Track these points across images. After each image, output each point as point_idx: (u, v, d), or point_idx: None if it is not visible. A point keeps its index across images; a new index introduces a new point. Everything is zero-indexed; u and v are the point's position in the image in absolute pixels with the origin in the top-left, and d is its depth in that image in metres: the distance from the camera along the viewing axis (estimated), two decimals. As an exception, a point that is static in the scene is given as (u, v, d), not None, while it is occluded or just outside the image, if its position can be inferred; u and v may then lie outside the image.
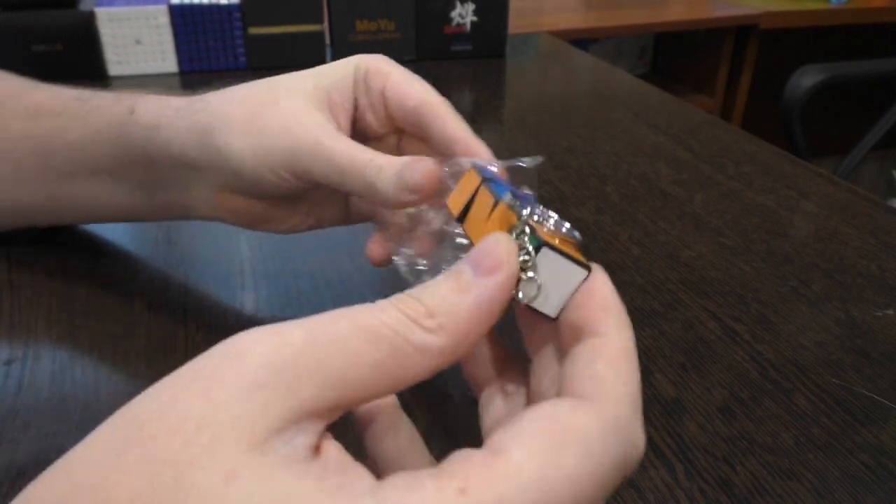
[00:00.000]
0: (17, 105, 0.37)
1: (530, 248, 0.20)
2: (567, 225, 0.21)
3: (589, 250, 0.45)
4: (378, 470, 0.21)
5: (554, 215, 0.21)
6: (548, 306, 0.20)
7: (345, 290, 0.40)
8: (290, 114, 0.31)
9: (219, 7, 0.75)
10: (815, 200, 0.52)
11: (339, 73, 0.34)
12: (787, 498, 0.28)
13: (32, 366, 0.34)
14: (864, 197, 0.53)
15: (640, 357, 0.35)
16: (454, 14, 0.81)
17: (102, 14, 0.72)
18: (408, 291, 0.19)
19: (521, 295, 0.20)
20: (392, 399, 0.22)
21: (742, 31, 1.69)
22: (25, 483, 0.16)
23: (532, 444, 0.16)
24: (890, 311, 0.40)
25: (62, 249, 0.43)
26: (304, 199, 0.35)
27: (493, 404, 0.23)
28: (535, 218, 0.21)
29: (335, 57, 0.81)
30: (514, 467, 0.16)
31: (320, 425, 0.17)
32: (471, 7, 0.81)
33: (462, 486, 0.15)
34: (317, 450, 0.16)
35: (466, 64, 0.83)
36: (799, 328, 0.38)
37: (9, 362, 0.34)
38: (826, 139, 1.86)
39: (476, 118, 0.70)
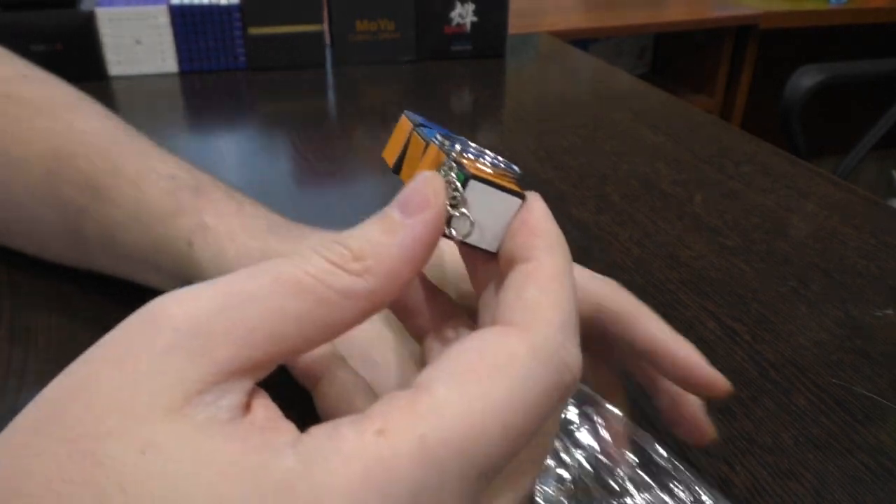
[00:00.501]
0: (74, 169, 0.33)
1: (458, 184, 0.19)
2: (503, 160, 0.21)
3: (589, 251, 0.45)
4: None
5: (490, 153, 0.21)
6: (484, 241, 0.20)
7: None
8: None
9: (219, 7, 0.75)
10: (815, 200, 0.52)
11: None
12: (787, 498, 0.28)
13: (32, 366, 0.34)
14: (864, 197, 0.53)
15: (639, 357, 0.35)
16: (454, 14, 0.81)
17: (102, 14, 0.72)
18: (333, 236, 0.18)
19: (453, 232, 0.19)
20: (327, 347, 0.21)
21: (742, 31, 1.69)
22: (25, 483, 0.16)
23: (456, 377, 0.16)
24: (890, 311, 0.40)
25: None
26: None
27: (433, 353, 0.22)
28: (467, 155, 0.20)
29: (335, 57, 0.81)
30: (436, 403, 0.15)
31: (248, 383, 0.16)
32: (471, 7, 0.81)
33: (381, 428, 0.15)
34: (246, 408, 0.16)
35: (466, 64, 0.83)
36: (799, 328, 0.38)
37: (9, 362, 0.34)
38: (826, 139, 1.86)
39: (476, 118, 0.70)
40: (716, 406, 0.33)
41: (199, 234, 0.30)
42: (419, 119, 0.24)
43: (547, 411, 0.17)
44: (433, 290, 0.23)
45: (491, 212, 0.19)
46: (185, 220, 0.30)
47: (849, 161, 1.25)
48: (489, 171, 0.20)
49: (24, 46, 0.71)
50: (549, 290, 0.18)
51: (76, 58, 0.73)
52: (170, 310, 0.16)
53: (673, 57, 1.91)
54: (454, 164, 0.19)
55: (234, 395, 0.16)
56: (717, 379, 0.25)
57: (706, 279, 0.42)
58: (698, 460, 0.30)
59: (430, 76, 0.80)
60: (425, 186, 0.18)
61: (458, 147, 0.20)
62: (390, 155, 0.23)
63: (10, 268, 0.41)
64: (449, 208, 0.19)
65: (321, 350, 0.22)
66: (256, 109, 0.71)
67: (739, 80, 1.75)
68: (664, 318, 0.39)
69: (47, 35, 0.72)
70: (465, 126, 0.67)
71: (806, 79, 1.15)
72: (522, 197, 0.20)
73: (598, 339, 0.26)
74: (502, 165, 0.21)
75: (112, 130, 0.36)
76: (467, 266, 0.22)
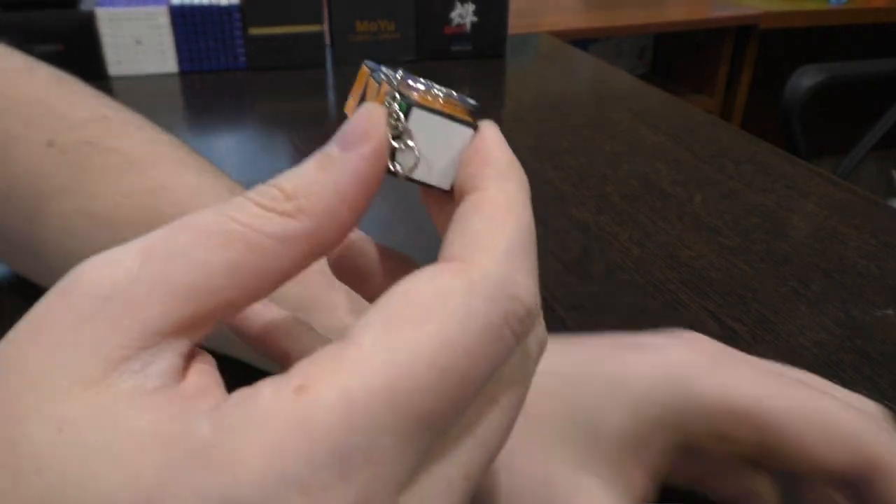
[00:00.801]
0: (139, 180, 0.31)
1: (400, 114, 0.17)
2: (458, 94, 0.19)
3: (589, 251, 0.45)
4: None
5: (446, 88, 0.19)
6: (433, 177, 0.18)
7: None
8: None
9: (219, 7, 0.75)
10: (815, 200, 0.52)
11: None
12: (787, 498, 0.28)
13: (33, 366, 0.34)
14: (864, 197, 0.53)
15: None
16: (454, 14, 0.81)
17: (103, 14, 0.72)
18: (270, 181, 0.16)
19: (398, 167, 0.17)
20: (287, 318, 0.20)
21: (742, 32, 1.69)
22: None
23: (383, 323, 0.14)
24: (890, 311, 0.40)
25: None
26: None
27: None
28: (416, 87, 0.18)
29: (335, 57, 0.81)
30: (361, 354, 0.14)
31: (182, 345, 0.15)
32: (471, 7, 0.81)
33: (301, 384, 0.13)
34: (182, 374, 0.15)
35: (466, 64, 0.83)
36: (799, 328, 0.38)
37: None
38: (826, 139, 1.86)
39: (476, 118, 0.70)
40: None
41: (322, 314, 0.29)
42: (379, 66, 0.21)
43: (497, 349, 0.15)
44: (388, 253, 0.21)
45: (439, 144, 0.18)
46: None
47: (849, 161, 1.25)
48: (439, 101, 0.18)
49: (24, 46, 0.71)
50: (495, 218, 0.16)
51: (76, 58, 0.73)
52: (85, 276, 0.15)
53: (673, 57, 1.91)
54: (397, 94, 0.18)
55: (166, 359, 0.14)
56: None
57: (706, 279, 0.42)
58: (698, 460, 0.30)
59: (430, 76, 0.79)
60: (365, 119, 0.17)
61: (400, 75, 0.18)
62: (350, 107, 0.20)
63: (11, 268, 0.41)
64: (392, 141, 0.17)
65: (282, 320, 0.21)
66: (256, 109, 0.71)
67: (739, 80, 1.75)
68: (664, 318, 0.39)
69: (47, 35, 0.72)
70: (465, 126, 0.67)
71: (806, 79, 1.15)
72: (475, 127, 0.18)
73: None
74: (455, 97, 0.19)
75: (200, 184, 0.33)
76: (428, 209, 0.20)
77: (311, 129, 0.64)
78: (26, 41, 0.71)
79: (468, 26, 0.82)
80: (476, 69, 0.82)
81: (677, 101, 0.73)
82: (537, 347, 0.17)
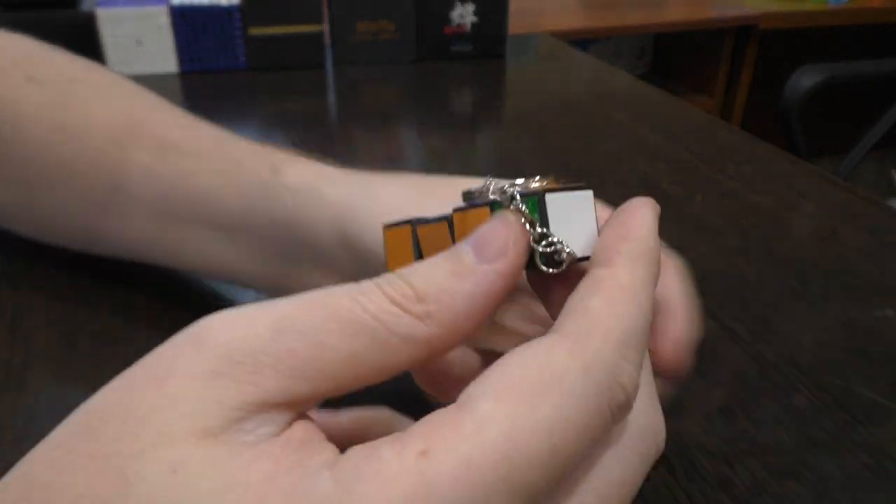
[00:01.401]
0: (145, 135, 0.34)
1: (532, 216, 0.17)
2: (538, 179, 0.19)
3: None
4: None
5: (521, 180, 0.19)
6: (579, 252, 0.18)
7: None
8: None
9: (219, 7, 0.75)
10: (815, 200, 0.52)
11: None
12: (787, 498, 0.28)
13: (33, 366, 0.34)
14: (864, 197, 0.53)
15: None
16: (454, 14, 0.81)
17: (103, 14, 0.72)
18: (398, 271, 0.16)
19: (549, 269, 0.17)
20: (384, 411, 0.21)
21: (742, 32, 1.69)
22: (26, 483, 0.16)
23: (500, 393, 0.14)
24: (890, 311, 0.40)
25: (63, 249, 0.43)
26: None
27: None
28: (517, 185, 0.18)
29: (335, 57, 0.81)
30: (479, 421, 0.14)
31: (290, 416, 0.15)
32: (471, 7, 0.81)
33: (423, 449, 0.14)
34: (285, 426, 0.15)
35: (466, 64, 0.83)
36: (799, 328, 0.38)
37: (9, 362, 0.34)
38: (826, 139, 1.86)
39: (476, 118, 0.70)
40: (716, 406, 0.33)
41: (287, 164, 0.30)
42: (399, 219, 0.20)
43: (598, 434, 0.15)
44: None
45: (573, 222, 0.18)
46: (268, 156, 0.31)
47: (849, 161, 1.25)
48: (542, 185, 0.18)
49: (24, 47, 0.72)
50: (618, 300, 0.16)
51: (76, 58, 0.73)
52: (218, 333, 0.15)
53: (673, 57, 1.91)
54: (517, 195, 0.17)
55: (275, 425, 0.15)
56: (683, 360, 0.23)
57: (706, 279, 0.42)
58: (699, 460, 0.30)
59: (430, 76, 0.80)
60: (505, 229, 0.17)
61: (506, 186, 0.18)
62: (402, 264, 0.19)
63: (11, 267, 0.41)
64: (533, 244, 0.17)
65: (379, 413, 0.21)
66: (256, 109, 0.71)
67: (739, 80, 1.75)
68: (664, 318, 0.39)
69: (47, 35, 0.71)
70: (465, 126, 0.67)
71: (806, 79, 1.15)
72: (589, 188, 0.18)
73: None
74: (539, 182, 0.19)
75: (181, 111, 0.37)
76: (539, 295, 0.20)
77: (311, 129, 0.64)
78: (26, 41, 0.71)
79: (468, 26, 0.82)
80: (476, 69, 0.82)
81: (677, 101, 0.73)
82: (641, 439, 0.17)
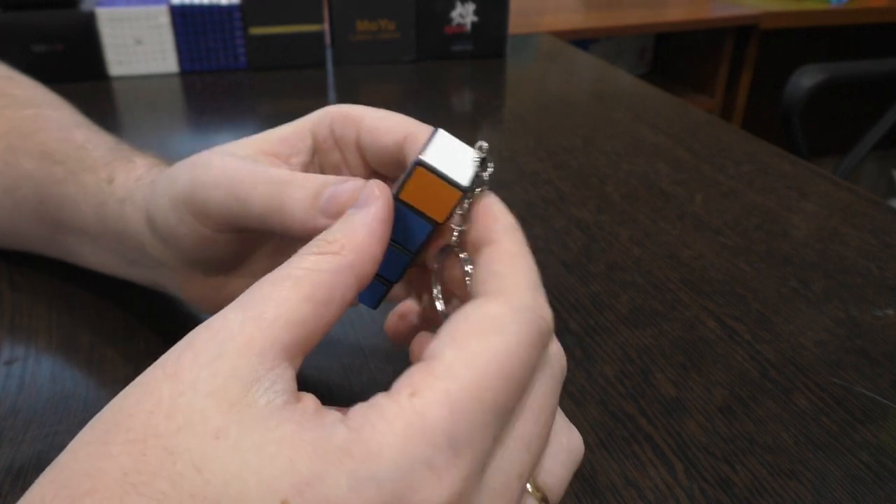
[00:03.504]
0: (33, 142, 0.37)
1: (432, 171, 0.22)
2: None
3: (589, 251, 0.45)
4: None
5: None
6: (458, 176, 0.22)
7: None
8: (207, 156, 0.27)
9: (219, 7, 0.75)
10: (815, 200, 0.52)
11: (290, 127, 0.29)
12: (787, 498, 0.28)
13: (33, 365, 0.34)
14: (864, 197, 0.53)
15: (640, 356, 0.36)
16: (454, 14, 0.81)
17: (103, 14, 0.72)
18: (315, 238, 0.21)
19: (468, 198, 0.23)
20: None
21: (742, 31, 1.69)
22: (26, 483, 0.16)
23: (457, 342, 0.18)
24: (890, 311, 0.40)
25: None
26: None
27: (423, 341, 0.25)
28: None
29: (335, 57, 0.81)
30: (448, 363, 0.18)
31: (291, 368, 0.18)
32: (471, 7, 0.81)
33: (411, 392, 0.17)
34: (297, 396, 0.18)
35: (466, 64, 0.83)
36: (799, 328, 0.38)
37: (10, 362, 0.34)
38: (826, 139, 1.86)
39: (476, 118, 0.70)
40: (716, 406, 0.33)
41: (120, 171, 0.33)
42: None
43: (535, 357, 0.19)
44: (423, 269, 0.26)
45: (454, 159, 0.23)
46: (112, 164, 0.34)
47: (849, 161, 1.25)
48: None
49: (24, 46, 0.72)
50: (514, 262, 0.21)
51: (76, 58, 0.73)
52: (203, 331, 0.18)
53: (673, 57, 1.91)
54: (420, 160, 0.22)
55: (285, 381, 0.18)
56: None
57: (706, 279, 0.42)
58: (699, 460, 0.30)
59: (430, 76, 0.80)
60: (367, 188, 0.22)
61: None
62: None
63: (11, 267, 0.41)
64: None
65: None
66: (256, 109, 0.71)
67: (739, 80, 1.75)
68: (664, 318, 0.39)
69: (48, 35, 0.72)
70: (465, 126, 0.67)
71: (806, 79, 1.15)
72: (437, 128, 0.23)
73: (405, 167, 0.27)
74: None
75: (75, 117, 0.40)
76: (439, 279, 0.25)
77: (312, 128, 0.64)
78: (26, 41, 0.71)
79: (468, 26, 0.82)
80: (476, 69, 0.82)
81: (677, 101, 0.73)
82: (557, 362, 0.21)
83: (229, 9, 0.75)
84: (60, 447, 0.17)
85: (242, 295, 0.19)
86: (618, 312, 0.39)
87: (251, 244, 0.30)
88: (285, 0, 0.76)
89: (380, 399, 0.18)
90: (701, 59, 1.79)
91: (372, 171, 0.29)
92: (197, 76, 0.77)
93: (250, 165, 0.25)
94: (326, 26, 0.79)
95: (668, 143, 0.62)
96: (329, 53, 0.82)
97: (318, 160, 0.29)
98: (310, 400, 0.18)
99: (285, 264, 0.20)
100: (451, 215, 0.23)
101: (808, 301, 0.40)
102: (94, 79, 0.74)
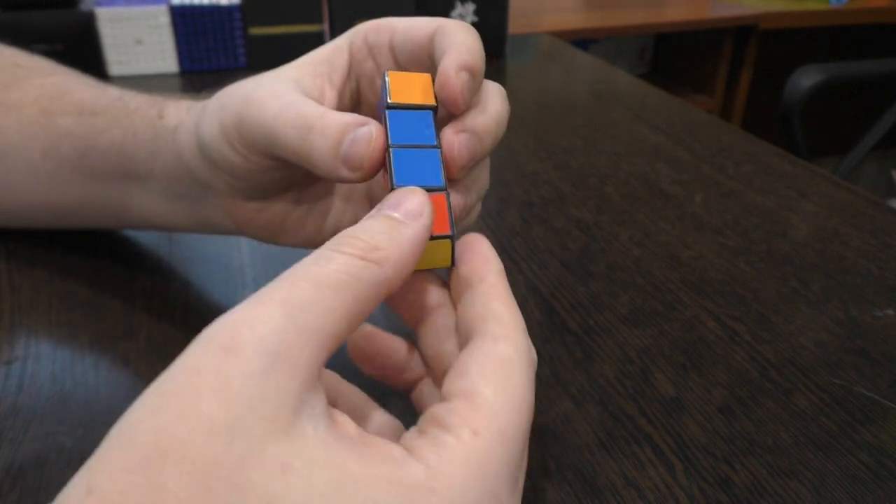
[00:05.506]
0: (67, 101, 0.37)
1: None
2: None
3: (589, 251, 0.45)
4: None
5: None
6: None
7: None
8: (254, 86, 0.28)
9: (219, 7, 0.75)
10: (815, 200, 0.52)
11: (330, 46, 0.31)
12: (787, 498, 0.28)
13: (33, 365, 0.34)
14: (864, 197, 0.53)
15: (640, 356, 0.36)
16: (454, 14, 0.81)
17: (103, 14, 0.72)
18: (343, 232, 0.21)
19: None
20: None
21: (742, 32, 1.69)
22: (26, 483, 0.15)
23: (490, 380, 0.20)
24: (890, 311, 0.40)
25: (62, 249, 0.43)
26: (314, 206, 0.33)
27: (425, 340, 0.26)
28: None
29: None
30: (491, 403, 0.20)
31: (321, 387, 0.18)
32: (471, 7, 0.81)
33: (472, 430, 0.19)
34: (332, 418, 0.18)
35: (466, 64, 0.83)
36: (799, 328, 0.38)
37: (9, 362, 0.34)
38: (826, 139, 1.86)
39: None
40: (716, 406, 0.33)
41: (168, 106, 0.34)
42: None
43: (533, 384, 0.22)
44: (423, 285, 0.26)
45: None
46: (158, 103, 0.35)
47: (849, 161, 1.25)
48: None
49: (24, 46, 0.71)
50: (507, 302, 0.23)
51: (76, 58, 0.73)
52: (245, 335, 0.17)
53: (673, 57, 1.91)
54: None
55: (320, 401, 0.18)
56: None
57: (706, 279, 0.42)
58: (698, 460, 0.30)
59: (431, 76, 0.80)
60: (418, 196, 0.22)
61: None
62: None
63: (11, 266, 0.41)
64: None
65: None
66: (256, 109, 0.71)
67: (739, 80, 1.75)
68: (664, 318, 0.39)
69: (47, 35, 0.72)
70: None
71: (806, 79, 1.15)
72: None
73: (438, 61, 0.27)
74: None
75: (100, 81, 0.40)
76: (413, 296, 0.26)
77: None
78: (26, 41, 0.71)
79: (468, 26, 0.82)
80: (476, 69, 0.82)
81: (677, 101, 0.73)
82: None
83: (229, 9, 0.75)
84: (59, 448, 0.17)
85: (283, 284, 0.18)
86: (617, 312, 0.39)
87: (296, 169, 0.29)
88: (285, 0, 0.76)
89: (443, 437, 0.19)
90: (701, 59, 1.79)
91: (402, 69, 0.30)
92: (197, 76, 0.77)
93: (285, 101, 0.26)
94: (326, 26, 0.79)
95: (667, 143, 0.62)
96: (329, 53, 0.81)
97: (354, 71, 0.31)
98: (345, 421, 0.18)
99: (320, 259, 0.19)
100: (436, 98, 0.26)
101: (808, 301, 0.40)
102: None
